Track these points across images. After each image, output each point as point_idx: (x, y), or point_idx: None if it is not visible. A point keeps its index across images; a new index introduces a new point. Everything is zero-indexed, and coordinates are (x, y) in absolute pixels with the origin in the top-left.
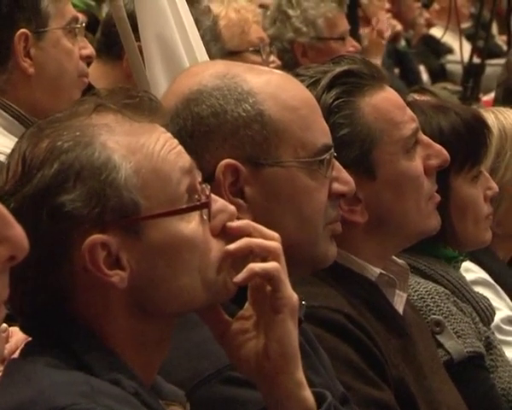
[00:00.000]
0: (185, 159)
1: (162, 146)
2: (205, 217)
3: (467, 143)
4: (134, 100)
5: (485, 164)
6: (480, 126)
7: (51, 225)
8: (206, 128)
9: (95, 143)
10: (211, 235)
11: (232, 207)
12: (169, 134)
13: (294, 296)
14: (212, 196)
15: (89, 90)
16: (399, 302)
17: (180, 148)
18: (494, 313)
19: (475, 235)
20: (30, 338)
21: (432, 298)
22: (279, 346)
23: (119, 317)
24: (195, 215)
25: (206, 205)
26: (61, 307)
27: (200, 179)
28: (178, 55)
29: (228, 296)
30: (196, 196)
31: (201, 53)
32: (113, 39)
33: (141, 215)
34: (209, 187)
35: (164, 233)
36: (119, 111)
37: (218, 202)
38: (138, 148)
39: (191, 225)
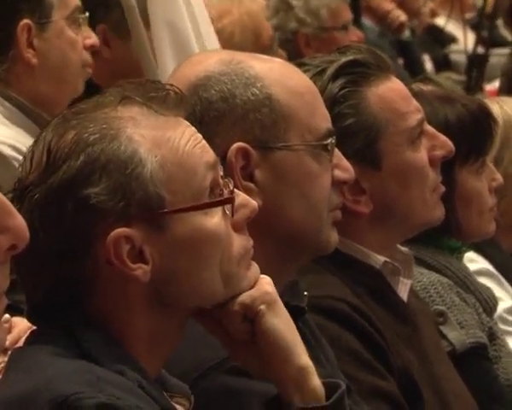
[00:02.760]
0: (210, 154)
1: (187, 140)
2: (227, 211)
3: (472, 134)
4: (160, 93)
5: (489, 155)
6: (486, 118)
7: (76, 217)
8: (216, 113)
9: (121, 137)
10: (233, 229)
11: (254, 202)
12: (193, 128)
13: (263, 289)
14: (235, 190)
15: (91, 86)
16: (404, 290)
17: (204, 142)
18: (497, 304)
19: (479, 226)
20: (33, 328)
21: (435, 289)
22: (268, 343)
23: (137, 310)
24: (218, 210)
25: (231, 200)
26: (77, 298)
27: (222, 173)
28: (188, 43)
29: (243, 292)
30: (219, 191)
31: (211, 41)
32: None
33: (165, 209)
34: (232, 182)
35: (188, 228)
36: (145, 104)
37: (241, 197)
38: (164, 142)
39: (214, 220)
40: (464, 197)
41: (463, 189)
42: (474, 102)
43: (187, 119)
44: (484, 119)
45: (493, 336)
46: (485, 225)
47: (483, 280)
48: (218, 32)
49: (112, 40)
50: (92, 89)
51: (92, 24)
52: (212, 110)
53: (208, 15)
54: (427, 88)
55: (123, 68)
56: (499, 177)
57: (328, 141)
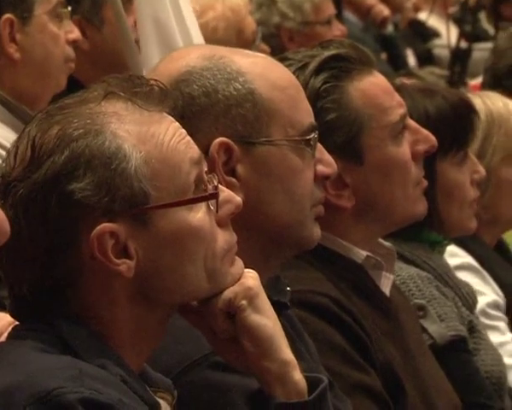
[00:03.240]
0: (194, 149)
1: (172, 136)
2: (211, 207)
3: (453, 126)
4: (144, 88)
5: (472, 148)
6: (467, 110)
7: (60, 212)
8: (198, 108)
9: (105, 132)
10: (217, 225)
11: (238, 198)
12: (178, 124)
13: (246, 284)
14: (219, 186)
15: (73, 83)
16: (386, 284)
17: (189, 138)
18: (477, 300)
19: (460, 220)
20: (15, 323)
21: (414, 283)
22: (250, 338)
23: (120, 305)
24: (202, 205)
25: (215, 196)
26: (61, 294)
27: (206, 169)
28: (174, 39)
29: (228, 288)
30: (203, 187)
31: (198, 37)
32: None
33: (150, 205)
34: (217, 177)
35: (172, 223)
36: (129, 99)
37: (225, 193)
38: (148, 137)
39: (198, 216)
40: (445, 189)
41: (444, 181)
42: (455, 94)
43: (169, 114)
44: (465, 111)
45: (473, 329)
46: (466, 219)
47: (465, 274)
48: (202, 27)
49: (87, 29)
50: (74, 85)
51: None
52: (195, 105)
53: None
54: (408, 82)
55: (103, 57)
56: (482, 169)
57: (311, 136)
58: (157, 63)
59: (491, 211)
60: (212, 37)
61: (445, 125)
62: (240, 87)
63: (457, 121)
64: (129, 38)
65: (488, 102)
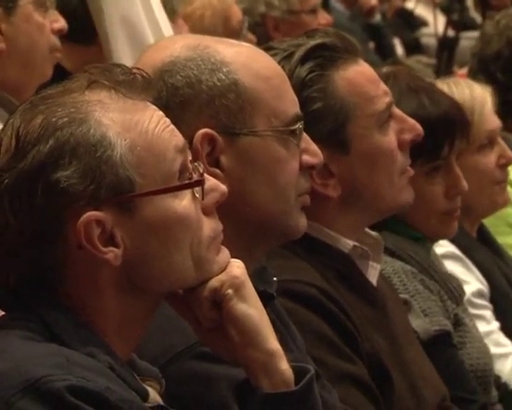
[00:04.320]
0: (178, 137)
1: (156, 124)
2: (197, 195)
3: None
4: (127, 77)
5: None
6: (448, 124)
7: (46, 201)
8: (182, 99)
9: (90, 120)
10: (202, 213)
11: (223, 186)
12: (161, 113)
13: (232, 273)
14: (205, 174)
15: (61, 73)
16: (373, 274)
17: (173, 127)
18: (464, 293)
19: (430, 227)
20: (2, 313)
21: (398, 277)
22: (236, 327)
23: (108, 293)
24: (188, 193)
25: (201, 183)
26: (48, 283)
27: (191, 158)
28: (144, 36)
29: (214, 276)
30: (188, 175)
31: (168, 33)
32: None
33: (136, 192)
34: (202, 165)
35: (158, 210)
36: (113, 88)
37: (210, 181)
38: (133, 125)
39: (184, 203)
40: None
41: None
42: (439, 106)
43: (153, 104)
44: (444, 124)
45: (458, 322)
46: (437, 226)
47: (449, 263)
48: (188, 16)
49: None
50: (61, 74)
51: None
52: (178, 96)
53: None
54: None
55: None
56: (465, 184)
57: (296, 126)
58: (142, 52)
59: (464, 200)
60: (199, 24)
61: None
62: (223, 78)
63: (432, 133)
64: (107, 37)
65: (454, 91)
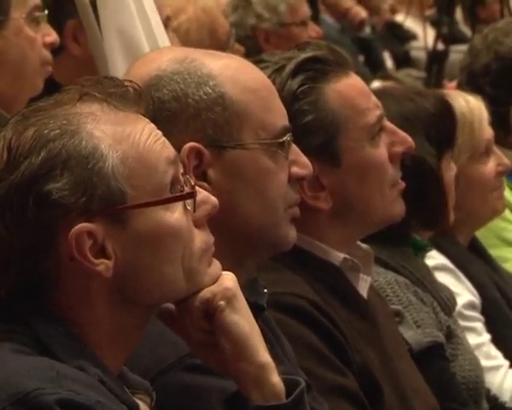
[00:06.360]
0: (170, 150)
1: (148, 136)
2: (188, 207)
3: None
4: (119, 89)
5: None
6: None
7: (38, 213)
8: (168, 113)
9: (81, 132)
10: (194, 225)
11: (214, 199)
12: (153, 125)
13: (224, 285)
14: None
15: (53, 85)
16: (364, 286)
17: (164, 139)
18: (456, 304)
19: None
20: None
21: (391, 288)
22: (227, 339)
23: (99, 305)
24: (179, 205)
25: (192, 195)
26: (39, 294)
27: (182, 170)
28: (141, 49)
29: (205, 288)
30: (179, 187)
31: (164, 42)
32: None
33: (127, 204)
34: (193, 178)
35: (149, 222)
36: (105, 100)
37: (202, 193)
38: (124, 137)
39: (175, 215)
40: None
41: None
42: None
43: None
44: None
45: (451, 334)
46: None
47: (440, 275)
48: (175, 30)
49: (81, 36)
50: (54, 88)
51: (61, 21)
52: (165, 110)
53: (163, 14)
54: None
55: (92, 65)
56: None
57: (284, 138)
58: (130, 65)
59: (463, 210)
60: (185, 39)
61: None
62: (210, 91)
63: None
64: (101, 53)
65: (455, 105)
